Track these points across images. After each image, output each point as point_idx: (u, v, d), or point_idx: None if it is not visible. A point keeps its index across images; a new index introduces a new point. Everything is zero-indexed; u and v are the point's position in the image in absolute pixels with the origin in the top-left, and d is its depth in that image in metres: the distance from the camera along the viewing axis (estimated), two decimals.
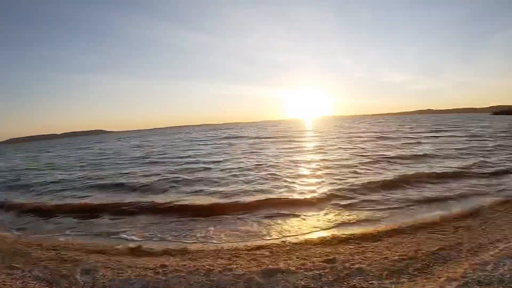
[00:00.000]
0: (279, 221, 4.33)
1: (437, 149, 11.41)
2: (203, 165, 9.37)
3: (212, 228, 4.05)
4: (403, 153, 10.45)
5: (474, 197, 5.30)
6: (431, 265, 2.85)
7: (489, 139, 14.13)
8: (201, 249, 3.41)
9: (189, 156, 12.55)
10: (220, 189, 6.11)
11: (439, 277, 2.57)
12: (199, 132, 47.12)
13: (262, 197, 5.31)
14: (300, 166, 8.80)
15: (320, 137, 21.57)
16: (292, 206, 4.91)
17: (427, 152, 10.25)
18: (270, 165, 8.97)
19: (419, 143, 13.86)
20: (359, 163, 8.81)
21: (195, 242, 3.66)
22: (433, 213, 4.59)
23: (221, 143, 19.42)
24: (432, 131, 21.26)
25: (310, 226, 4.14)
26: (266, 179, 7.01)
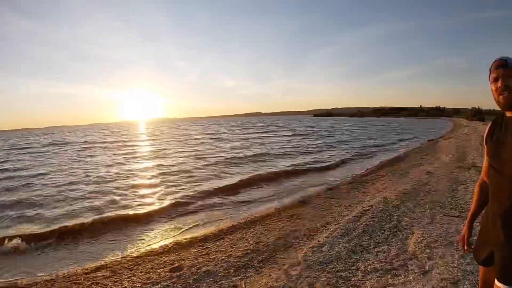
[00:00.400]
0: (119, 238, 6.44)
1: (272, 148, 21.55)
2: (23, 181, 13.51)
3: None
4: (241, 154, 18.79)
5: (306, 189, 9.88)
6: (273, 254, 4.69)
7: (314, 137, 29.32)
8: (33, 281, 4.76)
9: (6, 170, 17.31)
10: (45, 212, 8.66)
11: (283, 265, 4.14)
12: (18, 138, 64.18)
13: (96, 217, 7.83)
14: (136, 175, 13.66)
15: (155, 140, 35.47)
16: (131, 221, 7.47)
17: (262, 152, 19.19)
18: (101, 176, 13.57)
19: (255, 143, 26.26)
20: (197, 167, 14.74)
21: (24, 276, 5.07)
22: (268, 206, 8.01)
23: (44, 151, 28.65)
24: (264, 132, 43.26)
25: (152, 237, 6.35)
26: (98, 193, 10.42)
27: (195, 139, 33.74)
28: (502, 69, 1.66)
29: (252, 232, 5.81)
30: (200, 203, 8.66)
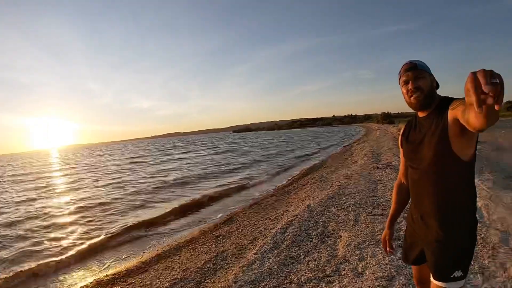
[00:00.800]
0: None
1: (195, 169, 21.02)
2: None
3: None
4: (163, 178, 17.99)
5: (231, 207, 9.71)
6: (202, 280, 4.47)
7: (236, 153, 29.27)
8: None
9: None
10: None
11: None
12: None
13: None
14: (49, 213, 11.91)
15: (69, 170, 32.00)
16: (43, 269, 6.60)
17: (185, 175, 18.62)
18: (8, 217, 11.76)
19: (177, 164, 25.11)
20: (115, 197, 13.56)
21: None
22: (193, 229, 7.75)
23: None
24: (185, 152, 41.76)
25: (71, 282, 5.75)
26: (4, 239, 8.99)
27: (112, 165, 31.72)
28: (411, 71, 1.70)
29: (178, 259, 5.56)
30: (120, 238, 8.00)
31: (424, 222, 1.76)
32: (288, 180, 12.82)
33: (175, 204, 10.93)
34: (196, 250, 5.84)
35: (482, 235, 4.22)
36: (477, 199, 5.61)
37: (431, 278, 1.71)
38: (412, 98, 1.70)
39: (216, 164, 23.06)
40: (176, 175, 18.80)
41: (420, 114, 1.77)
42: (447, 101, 1.62)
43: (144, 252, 6.54)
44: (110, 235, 8.30)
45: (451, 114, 1.52)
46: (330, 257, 4.11)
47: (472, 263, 3.48)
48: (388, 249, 2.15)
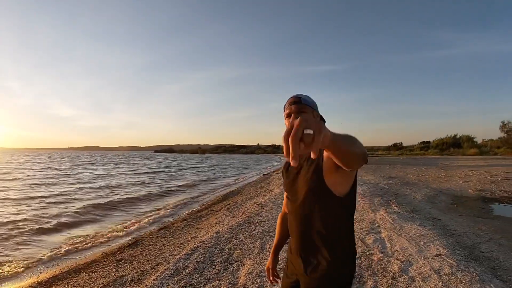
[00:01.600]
0: None
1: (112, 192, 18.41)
2: None
3: None
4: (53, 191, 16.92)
5: (137, 230, 9.31)
6: None
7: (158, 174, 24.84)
8: None
9: None
10: None
11: None
12: None
13: None
14: None
15: None
16: None
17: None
18: None
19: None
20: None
21: None
22: (95, 251, 7.46)
23: None
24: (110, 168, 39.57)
25: None
26: None
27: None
28: (295, 105, 1.73)
29: (75, 281, 5.28)
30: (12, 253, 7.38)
31: (297, 253, 1.77)
32: (203, 205, 12.75)
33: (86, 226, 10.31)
34: (95, 273, 5.58)
35: (383, 265, 4.43)
36: (381, 230, 6.00)
37: None
38: None
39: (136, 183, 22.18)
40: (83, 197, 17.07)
41: None
42: None
43: (41, 273, 6.15)
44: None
45: (325, 154, 1.55)
46: (230, 285, 4.08)
47: None
48: (271, 278, 2.15)
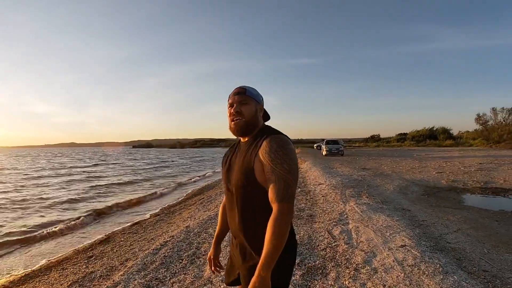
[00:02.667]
0: None
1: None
2: None
3: None
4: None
5: (110, 226, 9.36)
6: None
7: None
8: None
9: None
10: None
11: None
12: None
13: None
14: None
15: None
16: None
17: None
18: None
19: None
20: None
21: None
22: (67, 248, 7.51)
23: None
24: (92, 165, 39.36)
25: None
26: None
27: None
28: (238, 95, 1.73)
29: (47, 279, 5.40)
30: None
31: (235, 244, 1.80)
32: (177, 200, 12.76)
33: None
34: (66, 270, 5.67)
35: (347, 256, 4.48)
36: (349, 222, 6.07)
37: None
38: (232, 122, 1.72)
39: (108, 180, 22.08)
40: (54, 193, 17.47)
41: (242, 140, 1.78)
42: (266, 132, 1.69)
43: (13, 271, 6.25)
44: None
45: (261, 154, 1.59)
46: (195, 279, 4.09)
47: (332, 283, 3.71)
48: (213, 268, 2.14)
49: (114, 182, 21.14)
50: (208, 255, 2.17)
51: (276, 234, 1.46)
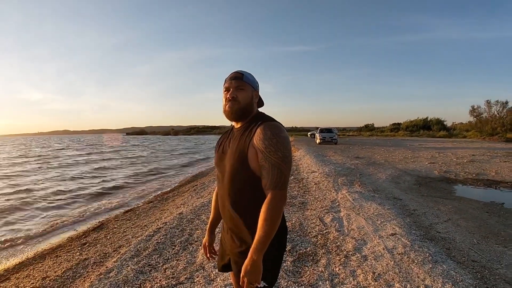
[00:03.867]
0: None
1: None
2: None
3: None
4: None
5: (104, 213, 9.40)
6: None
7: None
8: None
9: None
10: None
11: None
12: None
13: None
14: None
15: None
16: None
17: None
18: None
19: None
20: None
21: None
22: (61, 236, 7.54)
23: None
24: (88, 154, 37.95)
25: None
26: None
27: None
28: (235, 81, 1.73)
29: (41, 267, 5.41)
30: None
31: (227, 228, 1.83)
32: (172, 187, 12.80)
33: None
34: (60, 257, 5.71)
35: (338, 243, 4.55)
36: (341, 209, 6.13)
37: None
38: (227, 106, 1.73)
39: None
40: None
41: (236, 126, 1.80)
42: (260, 119, 1.70)
43: (8, 260, 6.26)
44: None
45: (255, 141, 1.61)
46: (187, 265, 4.14)
47: (322, 270, 3.77)
48: (208, 254, 2.17)
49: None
50: (203, 242, 2.20)
51: (269, 220, 1.50)
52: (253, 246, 1.52)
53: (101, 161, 27.31)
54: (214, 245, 2.22)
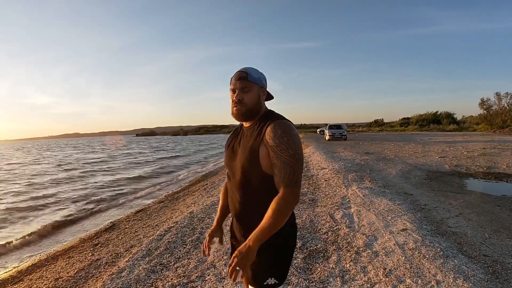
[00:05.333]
0: None
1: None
2: None
3: None
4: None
5: (115, 214, 9.59)
6: None
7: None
8: None
9: None
10: None
11: None
12: None
13: None
14: None
15: None
16: None
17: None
18: None
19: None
20: None
21: None
22: (73, 237, 7.73)
23: None
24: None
25: None
26: None
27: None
28: (240, 81, 1.70)
29: (53, 268, 5.50)
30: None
31: (237, 227, 1.81)
32: (180, 186, 12.91)
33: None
34: (73, 258, 5.79)
35: (349, 239, 4.54)
36: (351, 206, 6.11)
37: (249, 285, 1.74)
38: (234, 108, 1.71)
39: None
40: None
41: (245, 125, 1.78)
42: (270, 117, 1.69)
43: (21, 262, 6.40)
44: None
45: (266, 140, 1.59)
46: (198, 263, 4.17)
47: (333, 266, 3.75)
48: (204, 245, 2.05)
49: None
50: (209, 232, 2.11)
51: (277, 212, 1.48)
52: (253, 233, 1.50)
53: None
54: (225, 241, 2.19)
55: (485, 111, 54.00)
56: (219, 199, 7.46)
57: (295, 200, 1.54)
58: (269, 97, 1.87)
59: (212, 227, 2.11)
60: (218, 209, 2.13)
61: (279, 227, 1.51)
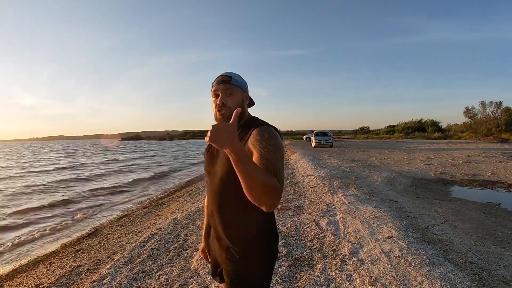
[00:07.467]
0: None
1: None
2: None
3: None
4: None
5: (98, 219, 9.36)
6: None
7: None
8: None
9: None
10: None
11: None
12: None
13: None
14: None
15: None
16: None
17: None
18: None
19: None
20: None
21: None
22: (55, 243, 7.49)
23: None
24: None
25: None
26: None
27: None
28: (223, 85, 1.67)
29: (34, 274, 5.39)
30: None
31: (216, 229, 1.76)
32: (165, 192, 12.80)
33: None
34: (54, 264, 5.69)
35: (334, 247, 4.51)
36: (337, 213, 6.09)
37: None
38: (217, 114, 1.67)
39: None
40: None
41: None
42: (254, 123, 1.65)
43: (1, 267, 6.26)
44: None
45: (251, 143, 1.54)
46: (182, 271, 4.10)
47: (319, 274, 3.73)
48: (209, 259, 2.05)
49: None
50: (201, 248, 2.13)
51: (265, 178, 1.31)
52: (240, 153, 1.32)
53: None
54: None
55: (470, 120, 54.94)
56: (203, 206, 7.44)
57: (279, 192, 1.36)
58: (251, 103, 1.85)
59: (202, 244, 2.12)
60: (204, 222, 2.11)
61: (252, 180, 1.31)
